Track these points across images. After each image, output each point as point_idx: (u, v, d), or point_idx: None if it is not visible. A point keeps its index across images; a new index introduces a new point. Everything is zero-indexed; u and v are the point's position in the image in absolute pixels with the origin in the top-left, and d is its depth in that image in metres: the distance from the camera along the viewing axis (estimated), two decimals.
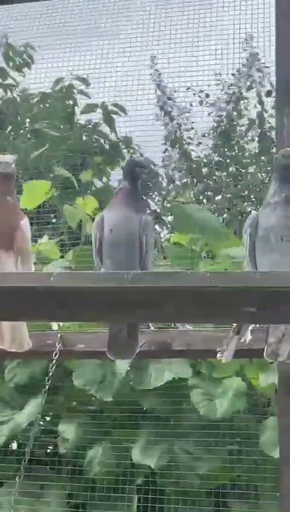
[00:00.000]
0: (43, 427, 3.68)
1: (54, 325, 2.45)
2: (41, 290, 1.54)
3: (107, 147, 5.44)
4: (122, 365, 3.26)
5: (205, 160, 6.08)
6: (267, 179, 5.54)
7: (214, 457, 3.22)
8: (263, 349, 1.77)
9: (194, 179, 6.22)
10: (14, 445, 3.68)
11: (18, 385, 3.47)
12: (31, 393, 3.39)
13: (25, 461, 2.56)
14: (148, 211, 1.77)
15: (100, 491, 3.31)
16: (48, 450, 3.59)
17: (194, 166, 5.96)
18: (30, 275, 1.63)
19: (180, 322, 2.09)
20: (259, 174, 5.99)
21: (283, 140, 2.17)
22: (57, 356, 2.07)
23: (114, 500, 3.28)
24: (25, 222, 1.86)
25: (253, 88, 5.81)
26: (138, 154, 5.88)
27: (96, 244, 1.76)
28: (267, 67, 5.41)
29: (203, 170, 6.05)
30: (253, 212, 1.75)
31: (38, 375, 3.33)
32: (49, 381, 2.26)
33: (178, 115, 6.08)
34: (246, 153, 6.06)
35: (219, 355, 1.76)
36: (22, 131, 5.06)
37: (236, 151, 6.05)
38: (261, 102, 5.57)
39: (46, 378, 2.28)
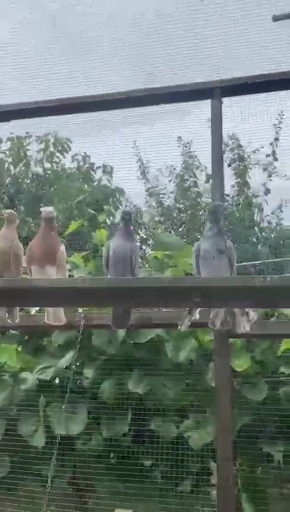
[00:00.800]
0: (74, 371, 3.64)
1: (80, 309, 2.45)
2: (74, 288, 1.57)
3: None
4: (121, 332, 3.26)
5: (171, 207, 6.14)
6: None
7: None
8: (207, 322, 1.81)
9: (166, 218, 6.28)
10: (57, 381, 3.64)
11: (59, 344, 3.44)
12: (67, 350, 3.36)
13: (67, 393, 2.54)
14: (137, 239, 1.81)
15: (109, 410, 3.28)
16: (78, 384, 3.56)
17: (165, 210, 6.01)
18: (66, 279, 1.67)
19: (155, 307, 2.11)
20: (202, 216, 6.06)
21: (215, 195, 2.21)
22: (82, 328, 2.08)
23: (117, 415, 3.24)
24: (62, 248, 1.88)
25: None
26: (130, 203, 5.98)
27: (105, 259, 1.80)
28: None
29: (171, 213, 6.10)
30: (196, 242, 1.81)
31: (71, 338, 3.31)
32: (78, 345, 2.26)
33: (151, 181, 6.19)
34: (196, 203, 6.13)
35: (179, 326, 1.78)
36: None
37: (191, 202, 6.12)
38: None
39: (76, 342, 2.29)
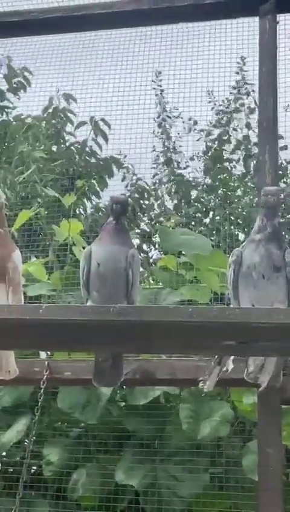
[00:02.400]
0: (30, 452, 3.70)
1: (42, 354, 2.49)
2: (31, 322, 1.62)
3: (95, 166, 5.47)
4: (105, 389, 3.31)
5: (193, 183, 6.16)
6: (254, 203, 5.62)
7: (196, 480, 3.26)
8: (243, 378, 1.86)
9: (183, 202, 6.30)
10: None
11: (4, 407, 3.50)
12: (16, 415, 3.43)
13: (22, 480, 2.59)
14: (133, 244, 1.84)
15: None
16: (33, 472, 3.61)
17: (184, 188, 6.04)
18: (20, 308, 1.71)
19: (164, 353, 2.16)
20: (246, 198, 6.08)
21: (265, 175, 2.28)
22: (44, 384, 2.12)
23: None
24: (16, 253, 1.92)
25: (241, 111, 5.91)
26: (131, 174, 5.97)
27: (83, 276, 1.84)
28: (254, 91, 5.53)
29: (192, 193, 6.13)
30: (236, 249, 1.83)
31: (23, 398, 3.37)
32: (38, 411, 2.31)
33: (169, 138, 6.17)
34: (234, 176, 6.15)
35: (201, 384, 1.83)
36: (12, 153, 5.09)
37: (224, 175, 6.14)
38: (248, 126, 5.68)
39: (36, 407, 2.33)
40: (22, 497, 3.35)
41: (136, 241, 6.12)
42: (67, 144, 5.59)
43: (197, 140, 6.02)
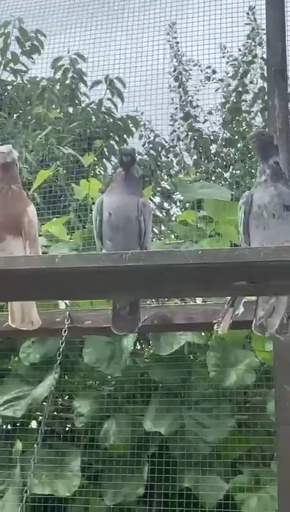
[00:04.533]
0: (61, 406, 3.83)
1: (61, 304, 2.55)
2: (48, 271, 1.67)
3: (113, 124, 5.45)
4: (129, 343, 3.39)
5: (212, 138, 6.12)
6: None
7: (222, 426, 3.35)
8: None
9: (202, 157, 6.27)
10: (34, 424, 3.83)
11: (33, 363, 3.61)
12: (45, 370, 3.53)
13: (42, 431, 2.72)
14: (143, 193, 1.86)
15: (111, 463, 3.45)
16: (66, 427, 3.74)
17: (203, 143, 6.00)
18: (37, 257, 1.76)
19: (177, 297, 2.20)
20: None
21: (275, 119, 2.28)
22: (66, 333, 2.19)
23: (126, 471, 3.42)
24: (31, 208, 1.97)
25: (255, 62, 5.83)
26: (148, 131, 5.94)
27: (96, 227, 1.89)
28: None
29: (211, 147, 6.10)
30: (246, 192, 1.84)
31: (52, 353, 3.47)
32: (60, 356, 2.39)
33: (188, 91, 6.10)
34: (254, 128, 6.09)
35: (215, 326, 1.87)
36: (29, 116, 5.11)
37: (244, 127, 6.08)
38: (263, 77, 5.59)
39: (58, 353, 2.42)
40: (55, 447, 3.51)
41: (156, 199, 6.14)
42: (83, 105, 5.58)
43: (216, 90, 5.95)
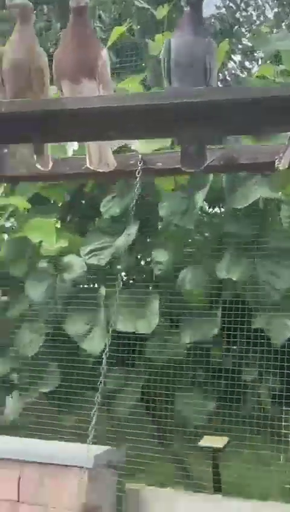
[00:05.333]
0: (140, 254, 4.08)
1: (133, 146, 2.66)
2: (119, 110, 1.79)
3: None
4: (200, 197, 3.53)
5: None
6: None
7: None
8: None
9: (286, 9, 5.97)
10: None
11: (113, 216, 3.84)
12: (125, 223, 3.74)
13: (121, 276, 2.94)
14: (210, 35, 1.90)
15: (188, 307, 3.72)
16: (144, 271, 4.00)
17: None
18: (109, 96, 1.87)
19: (237, 134, 2.27)
20: None
21: None
22: (139, 174, 2.34)
23: (202, 315, 3.67)
24: (104, 52, 2.02)
25: None
26: None
27: (164, 67, 1.97)
28: None
29: None
30: None
31: (130, 207, 3.68)
32: (134, 203, 2.56)
33: None
34: None
35: (276, 162, 1.96)
36: None
37: None
38: None
39: (133, 198, 2.60)
40: (136, 293, 3.81)
41: (237, 57, 5.97)
42: None
43: None
